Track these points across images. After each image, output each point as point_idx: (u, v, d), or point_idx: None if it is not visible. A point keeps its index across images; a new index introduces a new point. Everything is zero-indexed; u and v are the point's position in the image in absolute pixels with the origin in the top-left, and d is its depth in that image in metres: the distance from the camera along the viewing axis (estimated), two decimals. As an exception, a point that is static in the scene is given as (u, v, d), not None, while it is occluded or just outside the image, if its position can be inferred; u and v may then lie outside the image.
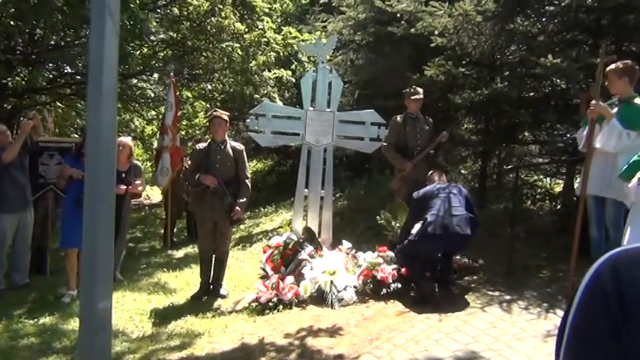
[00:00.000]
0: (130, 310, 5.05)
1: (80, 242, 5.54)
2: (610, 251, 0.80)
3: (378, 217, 5.89)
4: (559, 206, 7.26)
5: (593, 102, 4.38)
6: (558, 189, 7.78)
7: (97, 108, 2.43)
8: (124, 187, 5.78)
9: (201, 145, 5.60)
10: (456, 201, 4.86)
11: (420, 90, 6.08)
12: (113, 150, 2.61)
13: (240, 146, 5.53)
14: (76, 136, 11.30)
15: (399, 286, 4.93)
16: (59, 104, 12.50)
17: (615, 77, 4.40)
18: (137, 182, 6.03)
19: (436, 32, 6.36)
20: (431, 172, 5.49)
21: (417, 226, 4.90)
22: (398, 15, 6.96)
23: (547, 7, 6.25)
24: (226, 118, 5.46)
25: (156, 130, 15.09)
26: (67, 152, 6.42)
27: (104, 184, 2.49)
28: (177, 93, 9.14)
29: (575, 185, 6.91)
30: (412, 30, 6.66)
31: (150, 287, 5.89)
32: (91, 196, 2.49)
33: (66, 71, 11.45)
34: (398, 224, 5.66)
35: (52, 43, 10.00)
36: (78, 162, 5.53)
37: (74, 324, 4.55)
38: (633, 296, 0.72)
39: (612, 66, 4.43)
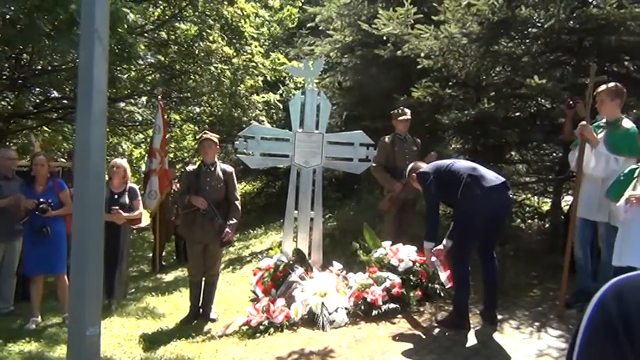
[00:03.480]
0: (118, 336, 4.97)
1: (41, 269, 5.48)
2: (614, 278, 0.80)
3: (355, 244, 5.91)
4: (547, 225, 7.30)
5: (583, 123, 4.42)
6: (546, 207, 7.84)
7: (86, 132, 2.43)
8: (119, 210, 5.77)
9: (191, 168, 5.60)
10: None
11: (408, 111, 6.15)
12: (102, 174, 2.60)
13: (229, 168, 5.53)
14: (63, 160, 11.21)
15: (390, 307, 4.90)
16: (46, 128, 12.44)
17: (608, 99, 4.42)
18: (135, 213, 6.06)
19: (422, 54, 6.44)
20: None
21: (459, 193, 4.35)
22: (384, 38, 7.05)
23: (530, 29, 6.37)
24: (216, 140, 5.47)
25: (144, 153, 15.08)
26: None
27: (92, 208, 2.47)
28: (166, 116, 9.15)
29: (564, 204, 6.99)
30: (399, 52, 6.74)
31: (139, 312, 5.81)
32: (80, 220, 2.47)
33: (53, 95, 11.43)
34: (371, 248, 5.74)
35: (39, 67, 9.98)
36: (30, 190, 5.48)
37: (60, 351, 4.46)
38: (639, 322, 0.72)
39: (605, 87, 4.44)
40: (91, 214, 2.47)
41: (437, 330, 4.48)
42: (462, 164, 4.57)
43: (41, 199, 5.35)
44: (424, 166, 4.84)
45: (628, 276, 0.80)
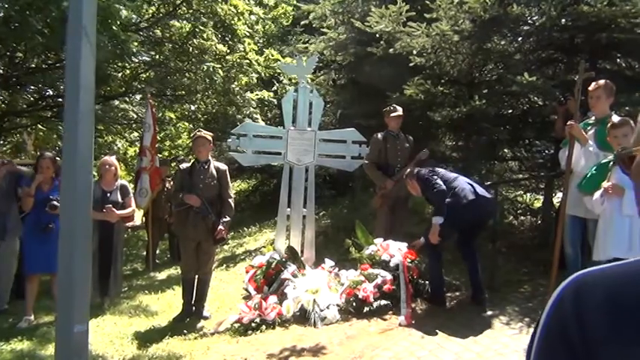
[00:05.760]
0: (110, 334, 4.96)
1: (42, 267, 5.43)
2: (576, 272, 0.76)
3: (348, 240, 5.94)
4: (539, 221, 7.34)
5: (571, 122, 4.44)
6: (538, 204, 7.88)
7: (74, 129, 2.42)
8: (112, 208, 5.75)
9: (185, 165, 5.61)
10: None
11: (400, 108, 6.16)
12: (89, 171, 2.60)
13: (223, 166, 5.53)
14: (58, 158, 11.18)
15: (382, 303, 4.93)
16: (40, 126, 12.42)
17: (605, 96, 4.42)
18: (128, 210, 6.03)
19: (415, 52, 6.46)
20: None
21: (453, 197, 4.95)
22: (377, 35, 7.05)
23: (522, 27, 6.39)
24: (210, 138, 5.47)
25: (138, 151, 15.04)
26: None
27: (80, 205, 2.46)
28: (159, 114, 9.11)
29: (556, 201, 7.02)
30: (391, 50, 6.74)
31: (131, 310, 5.80)
32: (67, 218, 2.47)
33: (47, 94, 11.39)
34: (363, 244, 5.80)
35: (33, 65, 9.95)
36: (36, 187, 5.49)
37: (52, 349, 4.45)
38: (594, 323, 0.67)
39: (603, 83, 4.43)
40: (78, 212, 2.46)
41: (428, 327, 4.50)
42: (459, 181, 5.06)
43: (51, 196, 5.39)
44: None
45: (589, 271, 0.75)
